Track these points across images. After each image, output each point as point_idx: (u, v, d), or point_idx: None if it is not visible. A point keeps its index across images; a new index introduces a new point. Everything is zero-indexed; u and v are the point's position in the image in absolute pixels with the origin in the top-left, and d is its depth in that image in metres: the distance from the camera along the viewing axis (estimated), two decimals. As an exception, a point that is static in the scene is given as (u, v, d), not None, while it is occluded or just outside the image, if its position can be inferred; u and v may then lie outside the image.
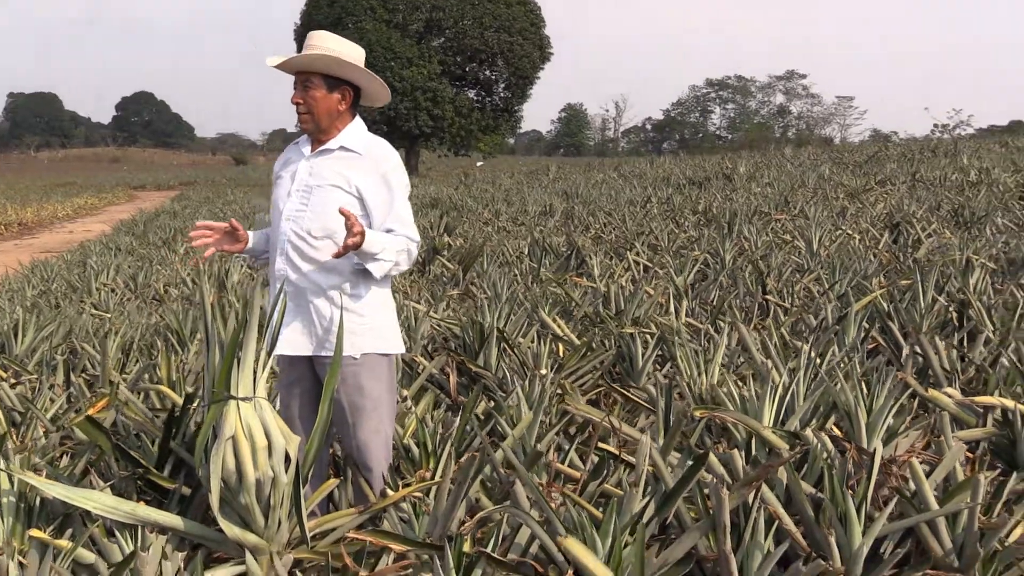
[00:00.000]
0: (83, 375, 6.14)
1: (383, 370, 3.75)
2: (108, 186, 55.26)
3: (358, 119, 3.81)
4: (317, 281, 3.64)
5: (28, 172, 77.48)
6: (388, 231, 3.65)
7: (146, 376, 5.65)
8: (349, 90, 3.73)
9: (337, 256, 3.47)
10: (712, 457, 3.36)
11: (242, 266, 11.12)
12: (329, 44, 3.68)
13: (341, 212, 3.42)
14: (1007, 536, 3.09)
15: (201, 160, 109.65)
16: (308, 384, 3.78)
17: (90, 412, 5.03)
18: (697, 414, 3.81)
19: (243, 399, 3.31)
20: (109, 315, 8.91)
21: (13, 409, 4.96)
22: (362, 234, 3.44)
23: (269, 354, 3.40)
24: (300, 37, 54.24)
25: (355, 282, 3.66)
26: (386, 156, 3.74)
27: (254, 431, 3.31)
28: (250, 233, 3.88)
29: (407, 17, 49.86)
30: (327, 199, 3.64)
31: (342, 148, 3.72)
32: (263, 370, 3.38)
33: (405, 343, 4.69)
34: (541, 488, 3.09)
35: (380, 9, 51.74)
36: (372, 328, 3.69)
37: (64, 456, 4.42)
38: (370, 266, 3.57)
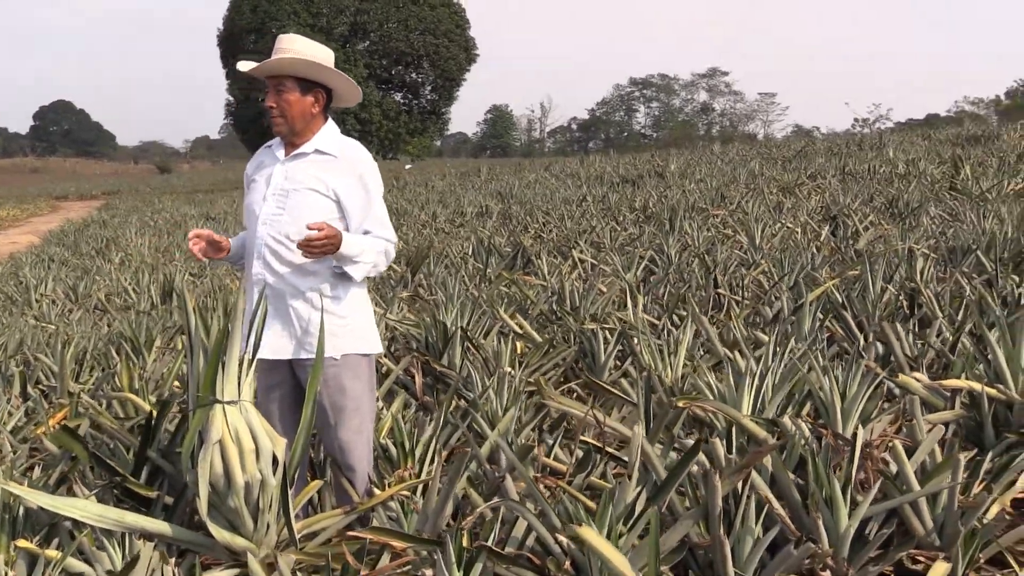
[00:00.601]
0: (39, 386, 6.06)
1: (363, 370, 3.75)
2: (30, 197, 54.10)
3: (330, 121, 3.81)
4: (295, 284, 3.64)
5: (-56, 185, 75.60)
6: (366, 232, 3.66)
7: (105, 385, 5.59)
8: (322, 92, 3.73)
9: (308, 256, 3.49)
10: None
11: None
12: (300, 47, 3.67)
13: (308, 227, 3.43)
14: (984, 514, 3.18)
15: (124, 169, 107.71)
16: (287, 388, 3.77)
17: (51, 422, 4.97)
18: (680, 404, 3.87)
19: (229, 403, 3.30)
20: (53, 326, 8.77)
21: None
22: (333, 238, 3.45)
23: (252, 358, 3.39)
24: (224, 43, 53.77)
25: (333, 284, 3.67)
26: (361, 158, 3.75)
27: (241, 434, 3.30)
28: (230, 240, 3.87)
29: (331, 21, 49.62)
30: (304, 202, 3.63)
31: (317, 151, 3.71)
32: (247, 374, 3.37)
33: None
34: (536, 481, 3.12)
35: (304, 14, 51.48)
36: (352, 329, 3.69)
37: (35, 467, 4.35)
38: (349, 269, 3.58)
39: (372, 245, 3.62)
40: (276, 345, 3.64)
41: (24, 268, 15.02)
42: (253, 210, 3.75)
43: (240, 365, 3.34)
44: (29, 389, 5.86)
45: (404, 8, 52.47)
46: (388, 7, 52.28)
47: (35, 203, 47.91)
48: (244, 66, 3.76)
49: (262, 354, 3.57)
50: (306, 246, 3.43)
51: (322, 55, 3.71)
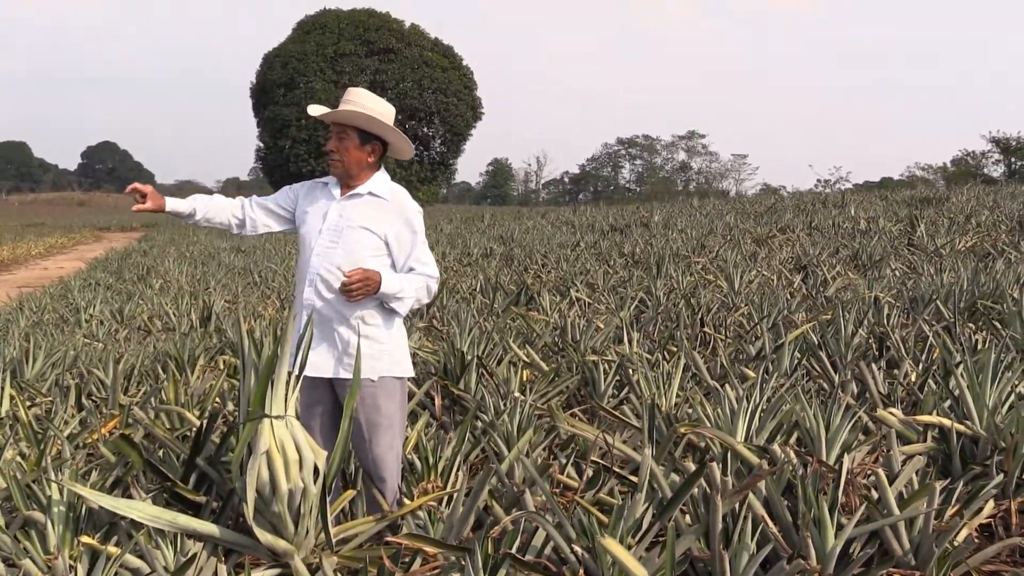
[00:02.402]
0: (91, 398, 6.03)
1: (397, 391, 3.74)
2: (76, 227, 54.16)
3: (382, 169, 3.83)
4: (342, 311, 3.64)
5: (0, 214, 75.52)
6: (410, 270, 3.68)
7: (153, 399, 5.57)
8: (379, 144, 3.75)
9: (350, 300, 3.51)
10: (692, 467, 3.40)
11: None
12: (366, 102, 3.69)
13: (345, 274, 3.49)
14: (955, 537, 3.17)
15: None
16: (327, 404, 3.76)
17: (104, 430, 4.95)
18: (682, 430, 3.85)
19: (276, 417, 3.29)
20: (102, 344, 8.74)
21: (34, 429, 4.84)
22: (370, 280, 3.48)
23: (299, 377, 3.38)
24: (256, 94, 53.99)
25: (375, 313, 3.67)
26: (409, 203, 3.78)
27: (286, 446, 3.29)
28: (168, 199, 3.84)
29: (353, 79, 49.70)
30: (355, 239, 3.65)
31: (371, 194, 3.73)
32: (293, 391, 3.36)
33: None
34: (555, 496, 3.10)
35: (329, 71, 51.70)
36: (389, 353, 3.69)
37: (92, 472, 4.32)
38: (394, 305, 3.61)
39: (412, 282, 3.65)
40: (320, 364, 3.64)
41: (73, 291, 14.99)
42: (307, 241, 3.75)
43: (287, 383, 3.33)
44: (83, 400, 5.83)
45: (419, 70, 52.74)
46: (404, 68, 52.55)
47: (81, 233, 47.95)
48: (315, 111, 3.78)
49: (306, 372, 3.56)
50: (346, 290, 3.45)
51: (384, 111, 3.73)
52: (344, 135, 3.69)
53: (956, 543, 3.15)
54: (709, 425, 3.89)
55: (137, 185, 3.75)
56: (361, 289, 3.47)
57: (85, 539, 3.23)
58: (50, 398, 5.84)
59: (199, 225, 3.93)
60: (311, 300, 3.67)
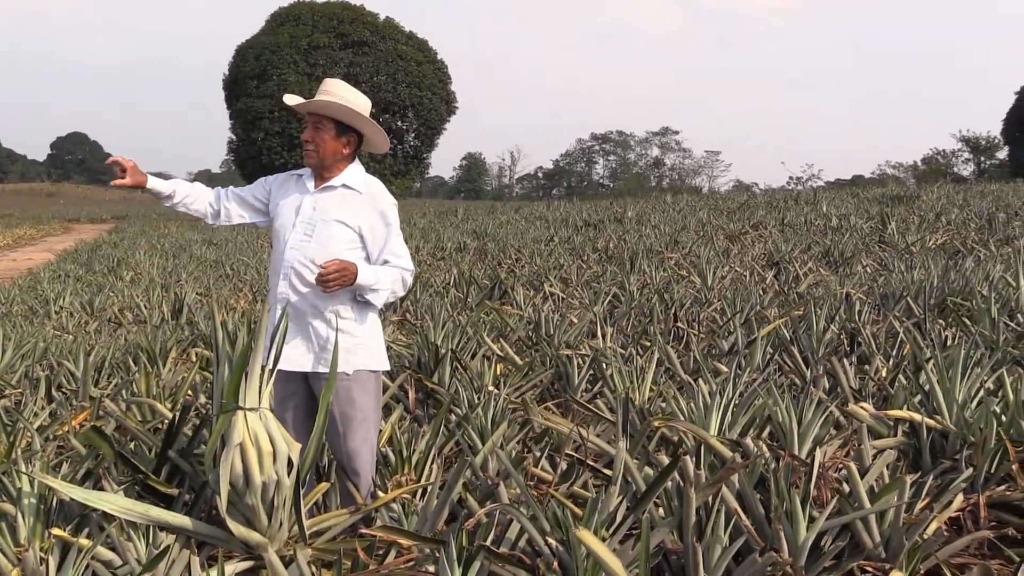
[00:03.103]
0: (61, 390, 5.99)
1: (372, 385, 3.73)
2: (45, 218, 53.60)
3: (357, 161, 3.81)
4: (316, 304, 3.62)
5: (-33, 205, 74.58)
6: (384, 262, 3.66)
7: (124, 391, 5.53)
8: (355, 136, 3.74)
9: (326, 291, 3.49)
10: (666, 460, 3.42)
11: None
12: (343, 93, 3.68)
13: (320, 267, 3.46)
14: (924, 530, 3.20)
15: (132, 196, 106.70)
16: (301, 397, 3.75)
17: (74, 422, 4.91)
18: (656, 424, 3.87)
19: (250, 409, 3.28)
20: (72, 336, 8.67)
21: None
22: (346, 271, 3.46)
23: (272, 370, 3.37)
24: (229, 86, 53.65)
25: (350, 306, 3.65)
26: (384, 195, 3.76)
27: (260, 439, 3.28)
28: (151, 176, 3.82)
29: (327, 72, 49.48)
30: (329, 232, 3.64)
31: (344, 186, 3.71)
32: (267, 384, 3.35)
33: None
34: (530, 488, 3.10)
35: (302, 64, 51.48)
36: (363, 347, 3.68)
37: (62, 464, 4.29)
38: (369, 296, 3.60)
39: (388, 274, 3.63)
40: (295, 359, 3.63)
41: (42, 282, 14.85)
42: (280, 235, 3.73)
43: (261, 376, 3.32)
44: (53, 392, 5.78)
45: (393, 63, 52.56)
46: (378, 61, 52.37)
47: (50, 224, 47.44)
48: (291, 100, 3.76)
49: (281, 366, 3.54)
50: (322, 281, 3.43)
51: (361, 104, 3.71)
52: (320, 125, 3.67)
53: (926, 536, 3.18)
54: (683, 419, 3.91)
55: (118, 158, 3.72)
56: (337, 280, 3.45)
57: (56, 531, 3.20)
58: (20, 390, 5.79)
59: (176, 208, 3.91)
60: (285, 293, 3.65)
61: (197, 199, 3.91)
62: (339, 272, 3.45)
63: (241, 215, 3.95)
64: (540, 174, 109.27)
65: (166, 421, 4.85)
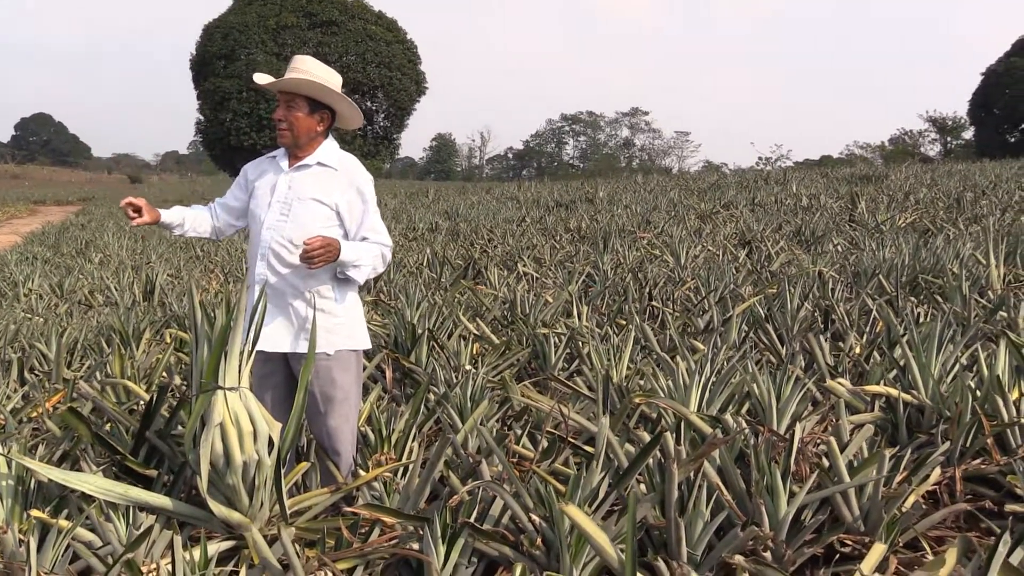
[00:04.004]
0: (34, 373, 5.92)
1: (352, 364, 3.72)
2: (10, 200, 52.90)
3: (331, 138, 3.78)
4: (295, 284, 3.60)
5: (-70, 187, 73.46)
6: (363, 239, 3.64)
7: (99, 372, 5.48)
8: (328, 113, 3.70)
9: (311, 267, 3.45)
10: (647, 437, 3.43)
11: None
12: (313, 70, 3.64)
13: (305, 243, 3.40)
14: (902, 504, 3.24)
15: (98, 178, 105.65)
16: (280, 377, 3.73)
17: (48, 405, 4.86)
18: (637, 400, 3.88)
19: (230, 389, 3.26)
20: (42, 318, 8.58)
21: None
22: (329, 247, 3.42)
23: (252, 350, 3.34)
24: (196, 66, 53.05)
25: (329, 285, 3.63)
26: (360, 171, 3.73)
27: (240, 418, 3.26)
28: (162, 211, 3.78)
29: (295, 51, 48.97)
30: (306, 210, 3.60)
31: (319, 164, 3.68)
32: (247, 364, 3.33)
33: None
34: (517, 465, 3.11)
35: (270, 43, 50.96)
36: (344, 326, 3.66)
37: (38, 446, 4.25)
38: (351, 273, 3.56)
39: (368, 250, 3.60)
40: (275, 339, 3.60)
41: (10, 265, 14.67)
42: (257, 215, 3.69)
43: (241, 356, 3.30)
44: (26, 375, 5.72)
45: (362, 43, 52.15)
46: (348, 41, 51.95)
47: (15, 206, 46.81)
48: (261, 79, 3.71)
49: (261, 346, 3.52)
50: (307, 258, 3.40)
51: (333, 80, 3.68)
52: (293, 104, 3.63)
53: (904, 509, 3.22)
54: (662, 396, 3.92)
55: (131, 199, 3.66)
56: (322, 256, 3.40)
57: (35, 513, 3.17)
58: (-10, 373, 5.72)
59: (186, 235, 3.90)
60: (263, 274, 3.62)
61: (202, 222, 3.90)
62: (323, 248, 3.41)
63: (232, 224, 3.94)
64: (510, 155, 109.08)
65: (142, 402, 4.81)
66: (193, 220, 3.87)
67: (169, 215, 3.80)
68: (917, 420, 3.96)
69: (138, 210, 3.67)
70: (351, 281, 3.65)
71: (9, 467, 3.31)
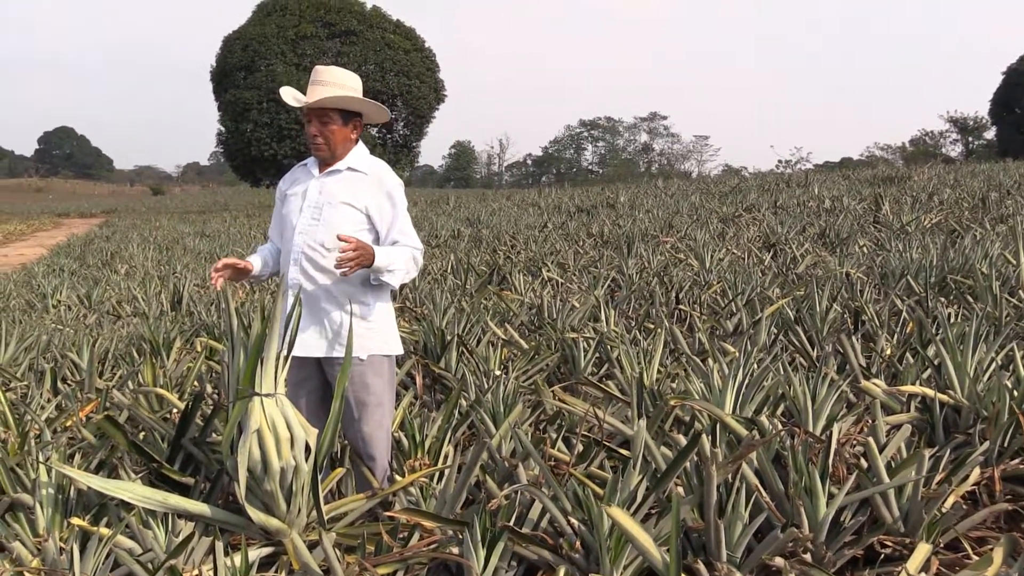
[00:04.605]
0: (66, 382, 5.96)
1: (385, 369, 3.72)
2: (34, 214, 53.50)
3: (361, 143, 3.79)
4: (328, 289, 3.61)
5: (-44, 202, 74.28)
6: (394, 243, 3.64)
7: (130, 381, 5.51)
8: (359, 120, 3.72)
9: (346, 274, 3.45)
10: (682, 440, 3.42)
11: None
12: (340, 79, 3.65)
13: (340, 238, 3.41)
14: (942, 504, 3.21)
15: (120, 190, 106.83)
16: (315, 383, 3.74)
17: (81, 414, 4.89)
18: (672, 403, 3.87)
19: (266, 395, 3.27)
20: (71, 329, 8.63)
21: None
22: (364, 252, 3.41)
23: (287, 356, 3.35)
24: (217, 78, 53.30)
25: (363, 290, 3.64)
26: (389, 175, 3.74)
27: (277, 424, 3.27)
28: (251, 259, 3.82)
29: (315, 61, 49.18)
30: (337, 215, 3.61)
31: (349, 169, 3.70)
32: (283, 370, 3.34)
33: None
34: (553, 469, 3.10)
35: (290, 54, 51.13)
36: (377, 332, 3.67)
37: (75, 455, 4.27)
38: (385, 278, 3.55)
39: (400, 254, 3.60)
40: (309, 344, 3.61)
41: (37, 277, 14.79)
42: (289, 221, 3.71)
43: (276, 362, 3.31)
44: (59, 384, 5.75)
45: (381, 52, 52.26)
46: (367, 51, 52.07)
47: (39, 220, 47.27)
48: (292, 99, 3.69)
49: (295, 352, 3.53)
50: (341, 264, 3.40)
51: (357, 86, 3.69)
52: (327, 118, 3.64)
53: (944, 510, 3.19)
54: (696, 398, 3.90)
55: (225, 269, 3.66)
56: (356, 259, 3.38)
57: (76, 520, 3.19)
58: (25, 382, 5.76)
59: (274, 278, 3.92)
60: (297, 279, 3.63)
61: (273, 255, 3.89)
62: (358, 250, 3.40)
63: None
64: (529, 161, 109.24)
65: (175, 410, 4.84)
66: (266, 259, 3.86)
67: (254, 266, 3.80)
68: (954, 420, 3.93)
69: (236, 270, 3.69)
70: (384, 286, 3.66)
71: (49, 475, 3.34)
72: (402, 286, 9.54)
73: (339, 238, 3.42)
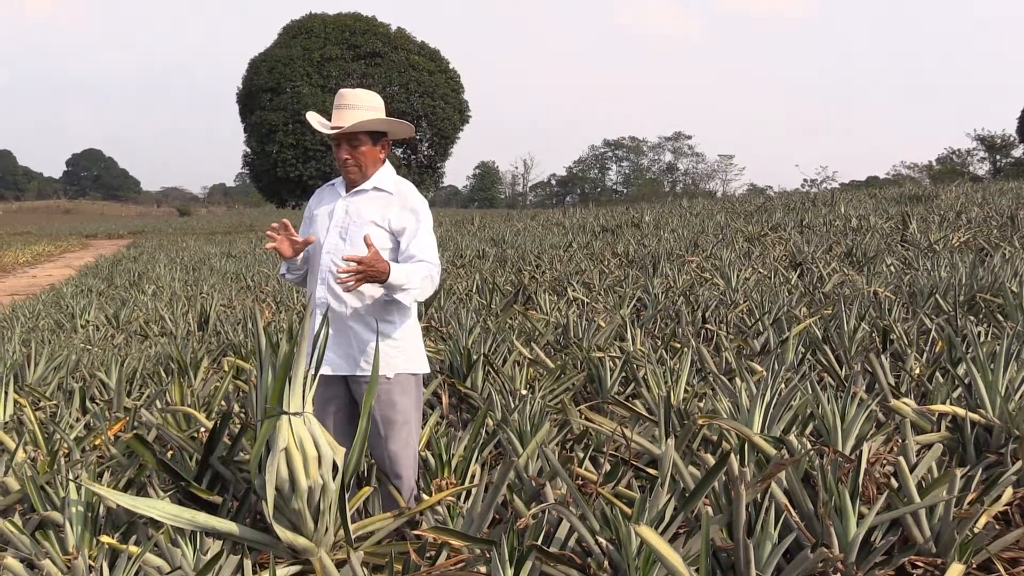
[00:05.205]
0: (95, 402, 6.01)
1: (412, 388, 3.73)
2: (63, 235, 54.07)
3: (387, 163, 3.82)
4: (356, 308, 3.62)
5: (-15, 223, 75.18)
6: (411, 257, 3.62)
7: (158, 400, 5.55)
8: (386, 138, 3.75)
9: (350, 287, 3.44)
10: (710, 459, 3.41)
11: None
12: (367, 102, 3.68)
13: (365, 241, 3.43)
14: (974, 524, 3.18)
15: (148, 211, 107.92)
16: (342, 401, 3.75)
17: (110, 433, 4.93)
18: (700, 422, 3.86)
19: (294, 414, 3.28)
20: (100, 349, 8.71)
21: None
22: (372, 267, 3.40)
23: (315, 375, 3.37)
24: (243, 99, 53.79)
25: (389, 309, 3.65)
26: (414, 194, 3.76)
27: (305, 443, 3.28)
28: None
29: (340, 83, 49.57)
30: (363, 234, 3.63)
31: (376, 188, 3.73)
32: (310, 388, 3.35)
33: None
34: (580, 488, 3.09)
35: (316, 76, 51.57)
36: (403, 350, 3.68)
37: (104, 473, 4.30)
38: (399, 296, 3.53)
39: (416, 271, 3.56)
40: (336, 363, 3.63)
41: (66, 297, 14.93)
42: (318, 239, 3.74)
43: (304, 380, 3.32)
44: (87, 404, 5.80)
45: (405, 73, 52.64)
46: (391, 72, 52.45)
47: (67, 241, 47.75)
48: (320, 126, 3.72)
49: (323, 371, 3.54)
50: (370, 243, 3.40)
51: (382, 105, 3.73)
52: (357, 141, 3.67)
53: (976, 530, 3.16)
54: (724, 418, 3.89)
55: (286, 221, 3.71)
56: (359, 274, 3.35)
57: (105, 538, 3.21)
58: (54, 402, 5.81)
59: (302, 273, 3.92)
60: (324, 298, 3.66)
61: (305, 263, 3.91)
62: (363, 265, 3.35)
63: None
64: (553, 181, 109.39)
65: (202, 429, 4.86)
66: (305, 257, 3.89)
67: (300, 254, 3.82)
68: (985, 440, 3.89)
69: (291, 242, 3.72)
70: (411, 303, 3.67)
71: (78, 493, 3.36)
72: (427, 305, 9.61)
73: (344, 258, 3.42)
